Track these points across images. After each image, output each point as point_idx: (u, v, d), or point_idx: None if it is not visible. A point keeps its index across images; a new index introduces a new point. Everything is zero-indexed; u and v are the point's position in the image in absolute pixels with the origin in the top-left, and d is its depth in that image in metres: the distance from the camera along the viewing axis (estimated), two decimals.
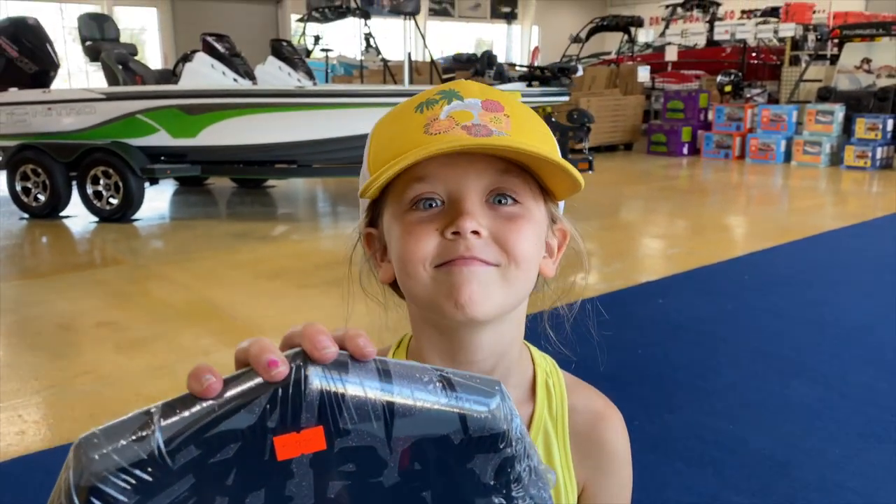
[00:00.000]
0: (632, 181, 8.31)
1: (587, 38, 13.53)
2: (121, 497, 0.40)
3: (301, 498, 0.42)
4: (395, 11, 6.48)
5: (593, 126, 7.77)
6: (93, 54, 6.47)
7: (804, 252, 4.84)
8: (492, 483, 0.44)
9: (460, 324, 0.63)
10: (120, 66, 6.18)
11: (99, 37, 6.57)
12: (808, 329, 3.33)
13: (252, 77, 6.20)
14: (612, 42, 15.98)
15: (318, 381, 0.41)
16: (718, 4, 14.68)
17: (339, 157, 5.94)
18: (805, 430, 2.38)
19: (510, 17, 23.93)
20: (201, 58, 5.98)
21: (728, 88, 10.61)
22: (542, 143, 0.64)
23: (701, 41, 13.91)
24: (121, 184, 5.75)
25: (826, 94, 9.65)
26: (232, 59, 6.10)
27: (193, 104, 5.66)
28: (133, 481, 0.40)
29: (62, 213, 6.11)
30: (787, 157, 9.27)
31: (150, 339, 3.30)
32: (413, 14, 6.52)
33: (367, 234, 0.71)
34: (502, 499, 0.45)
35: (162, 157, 5.91)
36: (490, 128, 0.60)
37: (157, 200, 6.91)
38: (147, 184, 5.96)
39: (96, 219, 5.92)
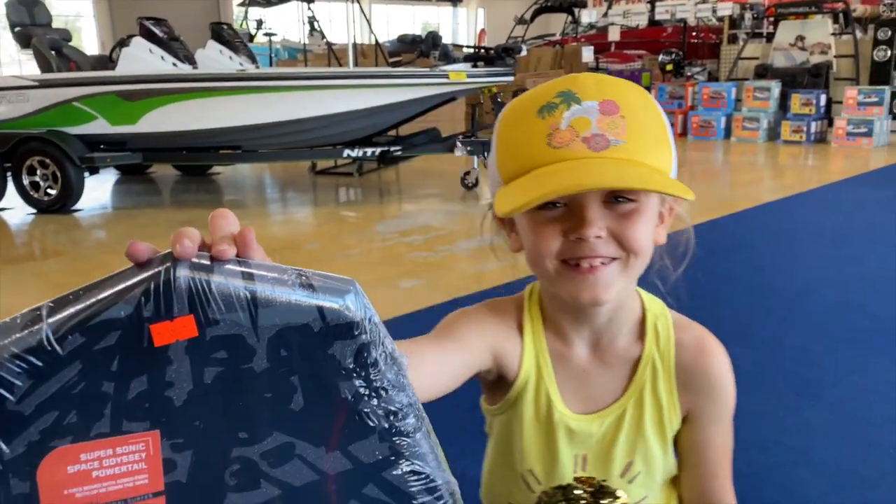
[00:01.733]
0: None
1: (532, 19, 13.60)
2: (15, 381, 0.45)
3: (180, 383, 0.47)
4: None
5: None
6: (23, 41, 6.23)
7: (744, 223, 5.00)
8: (351, 367, 0.50)
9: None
10: (53, 52, 5.98)
11: (29, 22, 6.33)
12: (744, 295, 3.46)
13: (192, 61, 6.06)
14: (556, 23, 16.10)
15: (185, 275, 0.47)
16: None
17: (286, 141, 5.88)
18: (746, 392, 2.47)
19: (456, 0, 23.88)
20: (139, 42, 5.82)
21: (669, 67, 10.82)
22: (656, 147, 0.71)
23: (643, 21, 14.14)
24: (59, 174, 5.58)
25: (763, 72, 9.92)
26: (171, 44, 5.95)
27: (132, 90, 5.52)
28: (25, 366, 0.45)
29: None
30: (728, 133, 9.52)
31: None
32: None
33: (496, 217, 0.78)
34: (362, 381, 0.51)
35: (101, 146, 5.76)
36: (608, 137, 0.67)
37: (98, 190, 6.73)
38: (86, 173, 5.79)
39: (34, 210, 5.74)
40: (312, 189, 7.09)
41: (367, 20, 7.66)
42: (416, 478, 0.53)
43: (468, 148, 5.90)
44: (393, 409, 0.52)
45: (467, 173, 6.17)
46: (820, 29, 10.09)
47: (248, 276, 0.48)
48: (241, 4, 10.96)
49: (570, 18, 14.02)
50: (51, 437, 0.47)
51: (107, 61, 6.54)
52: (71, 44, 6.55)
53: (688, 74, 10.90)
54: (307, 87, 5.47)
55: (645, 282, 0.81)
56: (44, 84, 5.69)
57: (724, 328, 2.84)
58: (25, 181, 5.67)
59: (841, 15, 10.33)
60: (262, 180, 7.70)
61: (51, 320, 0.46)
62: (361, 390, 0.51)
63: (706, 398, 0.81)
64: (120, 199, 6.72)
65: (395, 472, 0.53)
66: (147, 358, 0.47)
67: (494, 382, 0.82)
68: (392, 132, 6.47)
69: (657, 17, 13.57)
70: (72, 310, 0.46)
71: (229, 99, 5.48)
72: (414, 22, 24.22)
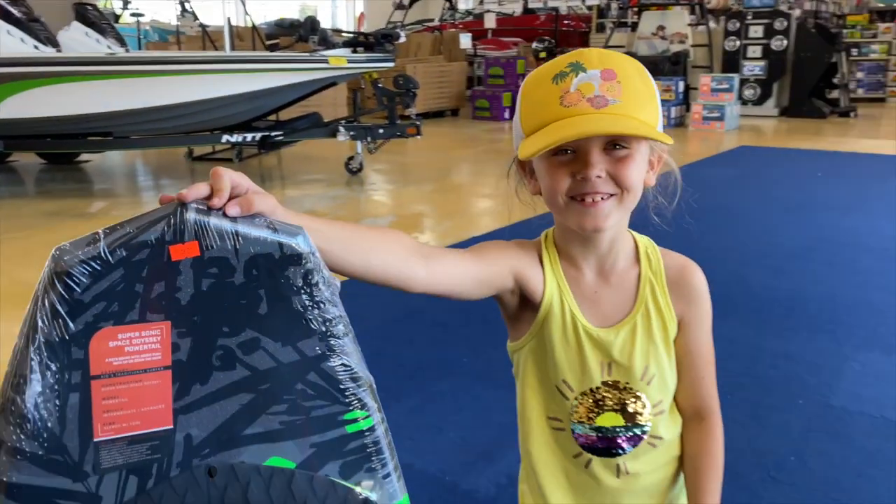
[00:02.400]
0: (459, 145, 8.66)
1: (410, 4, 13.69)
2: (81, 279, 0.66)
3: (186, 288, 0.69)
4: None
5: (421, 92, 7.97)
6: None
7: None
8: (300, 285, 0.71)
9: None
10: None
11: None
12: None
13: (55, 44, 5.77)
14: (434, 9, 16.27)
15: (192, 215, 0.68)
16: None
17: (161, 127, 5.73)
18: None
19: None
20: None
21: (543, 55, 11.23)
22: (643, 102, 0.87)
23: (517, 9, 14.57)
24: None
25: None
26: (30, 25, 5.63)
27: None
28: (88, 269, 0.66)
29: None
30: None
31: None
32: None
33: (518, 162, 0.98)
34: (307, 296, 0.72)
35: None
36: (607, 97, 0.84)
37: None
38: None
39: None
40: (190, 176, 6.92)
41: (243, 2, 7.51)
42: (344, 369, 0.74)
43: (351, 133, 5.96)
44: (328, 317, 0.73)
45: (351, 158, 6.23)
46: (678, 19, 10.81)
47: (233, 219, 0.70)
48: None
49: (447, 5, 14.22)
50: (99, 320, 0.67)
51: None
52: None
53: None
54: (183, 71, 5.36)
55: (643, 218, 1.01)
56: None
57: None
58: None
59: (697, 6, 11.11)
60: (135, 168, 7.42)
61: (106, 240, 0.66)
62: (307, 302, 0.72)
63: (692, 304, 0.98)
64: None
65: (329, 364, 0.74)
66: (166, 268, 0.67)
67: (517, 313, 0.98)
68: (272, 117, 6.42)
69: (531, 5, 14.02)
70: (119, 233, 0.67)
71: (99, 83, 5.28)
72: (291, 6, 23.70)
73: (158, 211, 0.69)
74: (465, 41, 11.88)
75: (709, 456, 0.98)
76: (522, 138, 0.89)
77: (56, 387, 0.67)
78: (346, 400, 0.75)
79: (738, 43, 10.61)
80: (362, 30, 19.24)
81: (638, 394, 0.96)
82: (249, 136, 5.79)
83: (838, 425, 2.24)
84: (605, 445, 0.97)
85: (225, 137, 5.74)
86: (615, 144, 0.87)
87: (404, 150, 7.82)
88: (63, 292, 0.66)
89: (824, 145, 7.99)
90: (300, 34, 6.08)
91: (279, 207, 0.74)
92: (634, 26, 11.43)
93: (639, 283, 0.97)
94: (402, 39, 6.26)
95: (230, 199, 0.71)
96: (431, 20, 16.02)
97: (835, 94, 10.90)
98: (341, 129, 5.93)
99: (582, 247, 0.96)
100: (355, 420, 0.76)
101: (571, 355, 0.96)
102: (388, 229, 0.88)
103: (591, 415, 0.97)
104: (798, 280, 3.57)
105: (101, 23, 6.27)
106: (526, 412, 1.02)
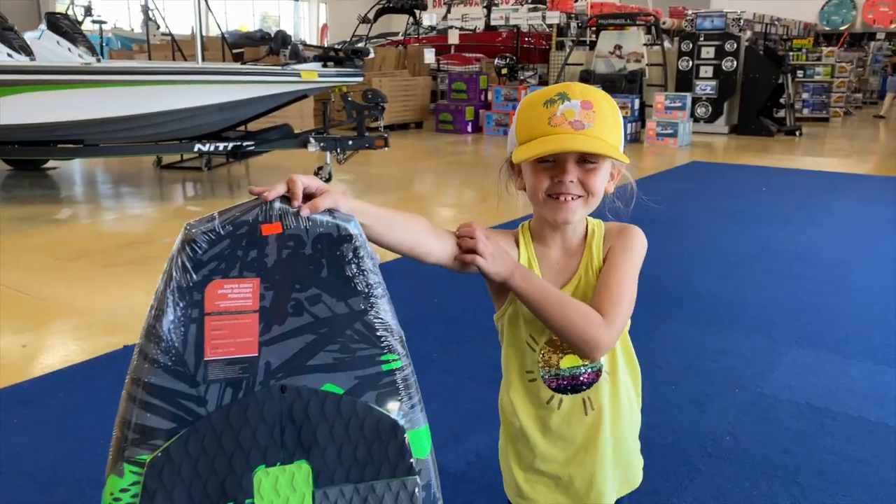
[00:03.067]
0: (423, 157, 8.90)
1: (375, 18, 13.93)
2: (202, 244, 0.94)
3: (271, 255, 0.96)
4: None
5: (387, 105, 8.18)
6: None
7: None
8: (350, 258, 0.99)
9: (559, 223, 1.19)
10: None
11: None
12: None
13: (29, 52, 5.83)
14: (398, 23, 16.53)
15: (277, 204, 0.96)
16: None
17: (133, 135, 5.83)
18: None
19: None
20: None
21: (504, 71, 11.59)
22: (610, 129, 1.12)
23: (480, 25, 14.91)
24: None
25: (587, 77, 10.89)
26: (4, 33, 5.69)
27: None
28: (206, 238, 0.94)
29: None
30: None
31: None
32: None
33: (509, 163, 1.23)
34: (355, 266, 0.99)
35: None
36: (584, 123, 1.10)
37: None
38: None
39: None
40: (158, 184, 7.02)
41: (211, 12, 7.63)
42: (380, 322, 1.01)
43: (321, 144, 6.14)
44: (370, 282, 1.00)
45: (320, 168, 6.41)
46: (635, 39, 11.25)
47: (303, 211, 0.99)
48: None
49: (411, 20, 14.49)
50: (213, 274, 0.95)
51: None
52: None
53: (521, 78, 11.71)
54: (157, 81, 5.48)
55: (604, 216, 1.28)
56: None
57: None
58: None
59: (652, 27, 11.58)
60: (100, 175, 7.48)
61: (219, 218, 0.95)
62: (355, 270, 0.99)
63: (619, 238, 1.22)
64: None
65: (370, 317, 1.00)
66: (258, 240, 0.95)
67: (500, 288, 1.19)
68: (241, 128, 6.57)
69: (493, 22, 14.36)
70: (228, 214, 0.96)
71: (72, 92, 5.37)
72: (253, 14, 23.74)
73: (254, 201, 0.97)
74: (430, 56, 12.16)
75: (581, 306, 1.16)
76: (516, 145, 1.16)
77: (182, 318, 0.94)
78: (382, 345, 1.01)
79: (690, 63, 11.09)
80: (326, 40, 19.38)
81: None
82: (221, 146, 5.93)
83: (769, 411, 2.51)
84: (571, 384, 1.22)
85: (197, 147, 5.87)
86: (586, 159, 1.13)
87: (370, 160, 8.03)
88: (189, 253, 0.94)
89: (770, 162, 8.43)
90: (271, 48, 6.24)
91: (341, 199, 1.00)
92: (593, 45, 11.83)
93: (582, 252, 1.24)
94: (372, 55, 6.47)
95: (305, 198, 0.98)
96: (396, 34, 16.29)
97: (781, 113, 11.45)
98: (312, 140, 6.11)
99: (552, 231, 1.22)
100: (388, 361, 1.02)
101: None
102: (413, 214, 1.13)
103: (553, 360, 1.21)
104: (740, 285, 3.87)
105: (74, 33, 6.35)
106: (508, 369, 1.27)
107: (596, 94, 1.15)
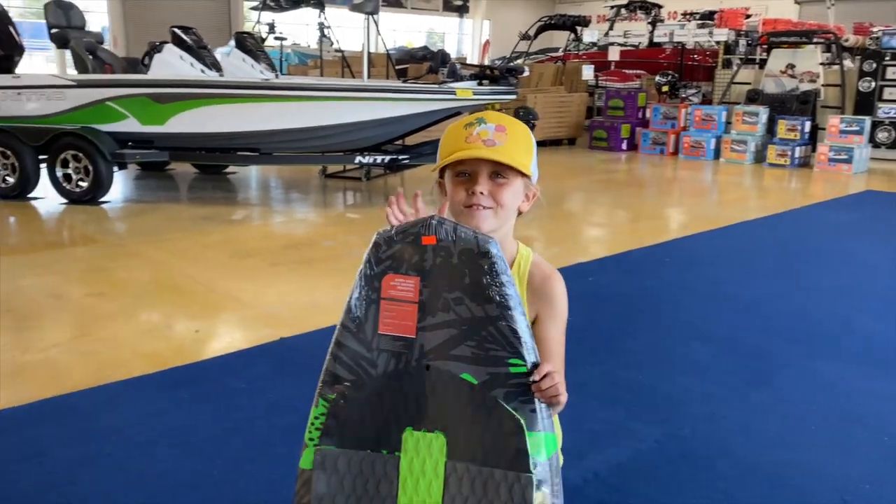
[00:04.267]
0: (574, 174, 8.88)
1: (536, 35, 14.08)
2: (383, 246, 1.24)
3: (428, 260, 1.21)
4: (357, 10, 6.85)
5: (539, 122, 8.28)
6: (60, 41, 6.67)
7: (720, 239, 5.46)
8: (486, 270, 1.19)
9: None
10: (89, 55, 6.41)
11: (65, 24, 6.76)
12: (712, 302, 3.91)
13: (218, 68, 6.50)
14: (559, 39, 16.56)
15: (434, 222, 1.22)
16: (660, 7, 15.41)
17: (301, 146, 6.32)
18: (700, 379, 2.92)
19: (462, 11, 24.34)
20: (171, 49, 6.26)
21: (665, 88, 11.30)
22: (520, 150, 1.31)
23: (643, 42, 14.62)
24: (90, 168, 6.02)
25: (754, 97, 10.40)
26: (199, 51, 6.39)
27: (163, 93, 5.96)
28: (385, 242, 1.24)
29: (31, 195, 6.34)
30: (717, 154, 10.00)
31: (139, 306, 3.67)
32: (373, 13, 6.91)
33: (439, 182, 1.41)
34: (490, 279, 1.19)
35: (129, 143, 6.19)
36: (496, 141, 1.29)
37: (120, 184, 7.16)
38: (115, 168, 6.23)
39: (65, 201, 6.17)
40: (322, 191, 7.54)
41: (379, 33, 8.11)
42: (510, 330, 1.19)
43: None
44: (504, 294, 1.20)
45: None
46: (810, 58, 10.57)
47: (454, 226, 1.22)
48: (254, 8, 11.36)
49: (572, 36, 14.49)
50: (387, 269, 1.23)
51: (137, 63, 6.99)
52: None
53: (683, 96, 11.37)
54: (326, 97, 5.92)
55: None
56: (81, 84, 6.13)
57: (687, 327, 3.41)
58: (59, 173, 6.11)
59: (833, 46, 10.83)
60: (273, 181, 8.14)
61: (395, 229, 1.23)
62: (489, 282, 1.19)
63: (546, 304, 1.36)
64: (142, 194, 7.15)
65: (502, 324, 1.19)
66: (420, 248, 1.22)
67: None
68: (399, 141, 6.92)
69: (656, 38, 14.05)
70: (402, 227, 1.23)
71: (253, 105, 5.92)
72: (420, 30, 24.68)
73: (420, 220, 1.25)
74: (588, 72, 12.10)
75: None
76: (439, 160, 1.34)
77: (365, 298, 1.25)
78: (510, 349, 1.19)
79: (873, 84, 10.27)
80: (487, 56, 19.78)
81: None
82: (379, 158, 6.29)
83: None
84: None
85: (358, 158, 6.26)
86: (497, 174, 1.30)
87: None
88: (375, 251, 1.25)
89: None
90: (431, 66, 6.53)
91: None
92: (763, 63, 11.27)
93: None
94: (527, 73, 6.59)
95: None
96: (556, 50, 16.35)
97: None
98: None
99: None
100: (515, 365, 1.20)
101: None
102: None
103: None
104: None
105: (257, 50, 7.00)
106: None
107: (512, 121, 1.33)
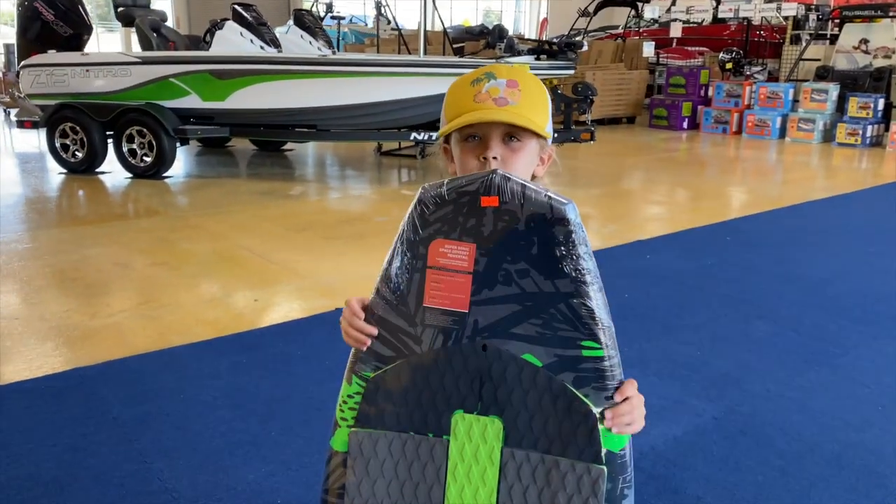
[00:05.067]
0: (633, 153, 8.72)
1: (595, 11, 13.79)
2: (430, 206, 1.05)
3: (486, 225, 1.03)
4: None
5: (598, 99, 8.12)
6: (125, 20, 6.85)
7: (785, 218, 5.28)
8: (561, 240, 1.02)
9: None
10: (154, 33, 6.57)
11: (131, 3, 6.94)
12: (775, 281, 3.79)
13: (277, 45, 6.58)
14: (619, 16, 16.20)
15: (498, 179, 1.02)
16: None
17: (357, 122, 6.35)
18: (758, 357, 2.85)
19: None
20: (231, 26, 6.36)
21: (729, 66, 10.94)
22: (536, 108, 1.14)
23: (707, 18, 14.18)
24: (154, 143, 6.19)
25: (824, 73, 9.99)
26: (259, 28, 6.47)
27: (224, 69, 6.07)
28: (434, 201, 1.05)
29: (98, 170, 6.56)
30: (783, 133, 9.66)
31: (201, 276, 3.77)
32: None
33: (443, 147, 1.25)
34: (565, 250, 1.02)
35: (191, 119, 6.33)
36: (508, 100, 1.11)
37: (183, 161, 7.34)
38: (178, 143, 6.39)
39: (130, 175, 6.37)
40: (377, 168, 7.58)
41: (437, 10, 8.06)
42: (586, 309, 1.03)
43: None
44: (580, 268, 1.02)
45: None
46: (885, 33, 10.09)
47: (522, 186, 1.02)
48: None
49: (632, 13, 14.15)
50: (436, 233, 1.05)
51: (199, 41, 7.12)
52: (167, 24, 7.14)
53: (747, 73, 11.00)
54: (382, 73, 5.93)
55: None
56: (146, 61, 6.29)
57: (748, 306, 3.31)
58: (125, 148, 6.30)
59: None
60: (329, 158, 8.23)
61: (447, 185, 1.04)
62: (564, 253, 1.02)
63: None
64: (203, 169, 7.32)
65: (576, 301, 1.03)
66: (477, 210, 1.03)
67: None
68: None
69: (721, 14, 13.59)
70: (455, 182, 1.04)
71: (310, 81, 5.98)
72: (477, 8, 24.46)
73: (479, 174, 1.05)
74: (648, 49, 11.81)
75: None
76: (445, 124, 1.16)
77: (408, 266, 1.08)
78: (585, 331, 1.04)
79: None
80: (545, 34, 19.52)
81: None
82: (434, 135, 6.28)
83: None
84: None
85: (413, 135, 6.26)
86: (511, 137, 1.13)
87: (576, 154, 8.03)
88: (420, 212, 1.06)
89: None
90: (488, 41, 6.47)
91: None
92: (833, 38, 10.81)
93: None
94: (585, 48, 6.47)
95: None
96: (616, 27, 16.00)
97: None
98: None
99: None
100: (589, 348, 1.04)
101: None
102: None
103: None
104: None
105: (315, 27, 7.05)
106: None
107: (523, 74, 1.15)
